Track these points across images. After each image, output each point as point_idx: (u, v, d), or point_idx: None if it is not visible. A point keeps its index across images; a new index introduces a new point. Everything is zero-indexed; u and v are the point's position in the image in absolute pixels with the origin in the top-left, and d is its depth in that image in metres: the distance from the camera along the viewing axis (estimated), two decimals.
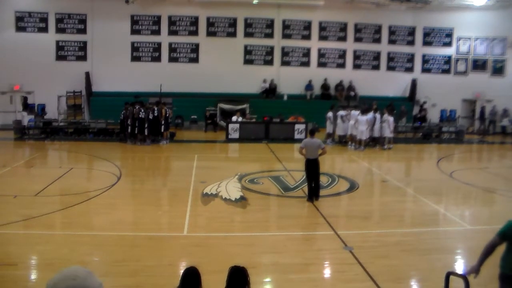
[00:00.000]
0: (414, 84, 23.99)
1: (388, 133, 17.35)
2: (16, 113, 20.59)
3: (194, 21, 23.03)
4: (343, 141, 18.12)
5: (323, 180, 11.32)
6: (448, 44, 24.32)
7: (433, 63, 24.45)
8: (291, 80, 23.22)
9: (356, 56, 24.14)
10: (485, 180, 12.64)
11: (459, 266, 6.71)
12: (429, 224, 8.64)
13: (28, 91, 21.36)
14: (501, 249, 4.38)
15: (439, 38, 24.31)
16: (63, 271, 1.80)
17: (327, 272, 6.71)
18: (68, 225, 8.24)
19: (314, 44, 23.79)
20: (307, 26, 23.70)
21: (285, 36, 23.63)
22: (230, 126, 18.95)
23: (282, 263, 6.63)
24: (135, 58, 22.84)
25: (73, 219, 8.48)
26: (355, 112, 17.48)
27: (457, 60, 24.40)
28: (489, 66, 24.23)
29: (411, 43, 24.29)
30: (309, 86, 23.49)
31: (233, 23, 23.30)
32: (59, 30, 22.14)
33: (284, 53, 23.73)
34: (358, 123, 16.90)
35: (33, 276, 6.17)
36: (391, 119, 17.35)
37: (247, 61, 23.56)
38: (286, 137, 18.94)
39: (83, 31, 22.29)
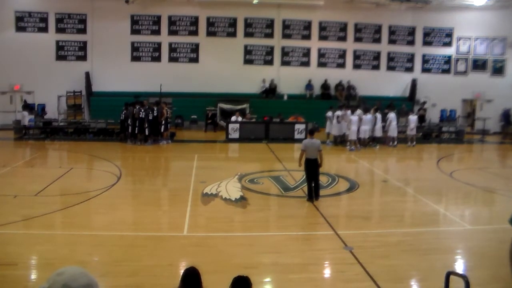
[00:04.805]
0: (414, 84, 23.97)
1: (414, 131, 18.46)
2: (16, 113, 20.58)
3: (194, 21, 23.02)
4: (339, 141, 18.07)
5: (323, 180, 11.32)
6: (448, 44, 24.31)
7: (433, 63, 24.43)
8: (291, 80, 23.21)
9: (356, 56, 24.13)
10: (485, 180, 12.64)
11: (459, 266, 6.72)
12: (429, 224, 8.63)
13: (28, 91, 21.36)
14: (502, 248, 4.38)
15: (439, 38, 24.30)
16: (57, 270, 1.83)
17: (327, 272, 6.71)
18: (68, 225, 8.24)
19: (314, 44, 23.77)
20: (307, 26, 23.68)
21: (285, 36, 23.62)
22: (230, 126, 18.94)
23: (282, 263, 6.63)
24: (135, 58, 22.83)
25: (73, 219, 8.47)
26: (348, 112, 17.49)
27: (457, 60, 24.38)
28: (489, 66, 24.19)
29: (411, 43, 24.28)
30: (309, 86, 23.48)
31: (233, 23, 23.29)
32: (59, 30, 22.13)
33: (284, 53, 23.72)
34: (350, 123, 16.91)
35: (33, 276, 6.16)
36: (413, 118, 18.30)
37: (247, 61, 23.55)
38: (286, 137, 18.92)
39: (83, 31, 22.28)
